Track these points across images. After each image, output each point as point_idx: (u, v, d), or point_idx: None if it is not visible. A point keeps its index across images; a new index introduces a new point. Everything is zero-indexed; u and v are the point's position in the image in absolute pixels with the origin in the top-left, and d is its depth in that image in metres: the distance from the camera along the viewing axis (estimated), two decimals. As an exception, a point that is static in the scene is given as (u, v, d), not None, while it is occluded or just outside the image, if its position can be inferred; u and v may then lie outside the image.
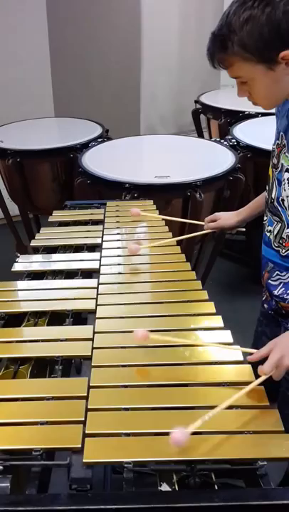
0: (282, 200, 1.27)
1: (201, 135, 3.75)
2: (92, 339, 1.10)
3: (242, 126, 2.93)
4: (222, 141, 2.70)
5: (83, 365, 1.05)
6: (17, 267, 1.47)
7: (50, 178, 2.84)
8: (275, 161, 1.30)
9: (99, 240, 1.60)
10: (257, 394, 0.93)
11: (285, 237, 1.29)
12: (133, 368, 1.01)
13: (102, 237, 1.62)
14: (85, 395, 0.93)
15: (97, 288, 1.31)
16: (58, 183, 2.83)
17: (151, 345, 1.08)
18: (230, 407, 0.90)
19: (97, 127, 3.00)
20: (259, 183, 2.62)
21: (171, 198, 2.24)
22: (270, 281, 1.37)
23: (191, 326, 1.15)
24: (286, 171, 1.24)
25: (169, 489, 0.79)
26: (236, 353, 1.05)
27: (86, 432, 0.84)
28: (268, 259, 1.36)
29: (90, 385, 0.95)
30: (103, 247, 1.56)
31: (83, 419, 0.87)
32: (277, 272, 1.34)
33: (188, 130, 3.98)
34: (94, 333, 1.12)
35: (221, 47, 1.13)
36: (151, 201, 1.91)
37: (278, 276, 1.35)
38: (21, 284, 1.38)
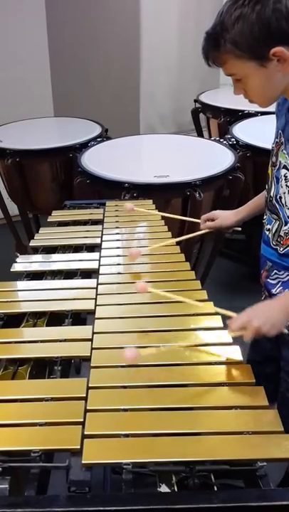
0: (280, 197, 1.28)
1: (200, 134, 3.74)
2: (91, 340, 1.09)
3: (241, 126, 2.92)
4: (221, 140, 2.69)
5: (82, 366, 1.04)
6: (16, 267, 1.47)
7: (49, 177, 2.84)
8: (273, 159, 1.31)
9: (98, 240, 1.60)
10: (256, 394, 0.93)
11: (282, 234, 1.29)
12: (132, 369, 1.01)
13: (102, 237, 1.62)
14: (84, 395, 0.93)
15: (97, 288, 1.31)
16: (58, 182, 2.83)
17: (151, 346, 1.08)
18: (229, 408, 0.90)
19: (96, 127, 3.00)
20: (258, 182, 2.61)
21: (171, 197, 2.24)
22: (268, 280, 1.37)
23: (191, 326, 1.15)
24: (283, 167, 1.25)
25: (168, 490, 0.79)
26: (236, 353, 1.05)
27: (85, 433, 0.84)
28: (267, 257, 1.36)
29: (89, 385, 0.95)
30: (102, 247, 1.56)
31: (82, 420, 0.87)
32: (275, 271, 1.34)
33: (188, 129, 3.97)
34: (93, 333, 1.12)
35: (214, 45, 1.15)
36: (151, 201, 1.91)
37: (276, 275, 1.35)
38: (20, 284, 1.38)
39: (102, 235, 1.64)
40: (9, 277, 1.41)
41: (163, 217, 1.74)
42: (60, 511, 0.71)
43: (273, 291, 1.35)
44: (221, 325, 1.14)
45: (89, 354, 1.05)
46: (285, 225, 1.28)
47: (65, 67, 3.83)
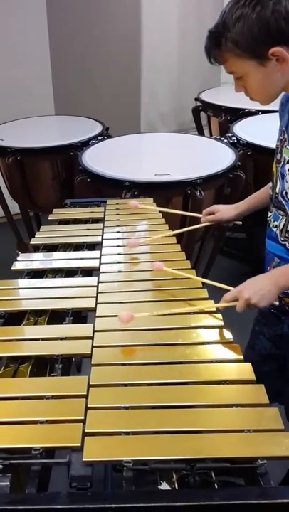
0: (286, 192, 1.30)
1: (201, 133, 3.75)
2: (92, 338, 1.09)
3: (242, 124, 2.92)
4: (222, 138, 2.69)
5: (83, 364, 1.04)
6: (17, 265, 1.47)
7: (50, 176, 2.84)
8: (278, 156, 1.33)
9: (99, 238, 1.60)
10: (257, 392, 0.93)
11: None
12: (133, 367, 1.01)
13: (102, 236, 1.62)
14: (85, 393, 0.93)
15: (97, 286, 1.31)
16: (58, 181, 2.83)
17: (151, 344, 1.08)
18: (229, 406, 0.90)
19: (97, 125, 3.00)
20: (259, 180, 2.61)
21: (172, 195, 2.24)
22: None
23: (192, 324, 1.15)
24: (288, 163, 1.28)
25: (169, 488, 0.79)
26: (236, 351, 1.05)
27: (86, 430, 0.84)
28: (274, 254, 1.37)
29: (90, 383, 0.95)
30: (103, 245, 1.56)
31: (83, 417, 0.87)
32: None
33: (189, 128, 3.97)
34: (94, 331, 1.12)
35: (215, 44, 1.19)
36: (151, 199, 1.91)
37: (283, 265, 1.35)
38: (21, 282, 1.38)
39: (103, 233, 1.64)
40: (10, 275, 1.41)
41: (165, 215, 1.74)
42: (60, 508, 0.71)
43: None
44: (222, 323, 1.14)
45: (90, 352, 1.05)
46: None
47: (66, 66, 3.83)
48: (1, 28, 3.50)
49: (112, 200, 1.92)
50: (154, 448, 0.82)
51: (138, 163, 2.54)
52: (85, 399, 0.91)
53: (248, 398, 0.92)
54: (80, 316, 1.25)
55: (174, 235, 1.58)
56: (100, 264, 1.44)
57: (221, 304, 1.17)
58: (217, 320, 1.15)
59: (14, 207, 3.08)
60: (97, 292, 1.28)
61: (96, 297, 1.26)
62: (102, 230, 1.66)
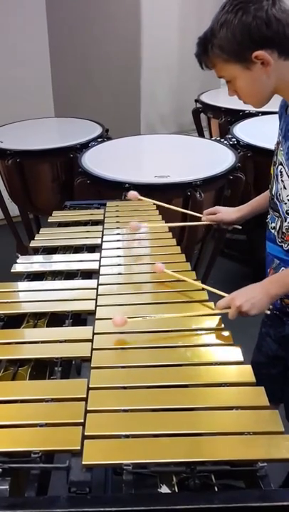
0: (279, 194, 1.31)
1: (201, 134, 3.74)
2: (91, 340, 1.09)
3: (242, 125, 2.92)
4: (222, 140, 2.69)
5: (82, 367, 1.04)
6: (17, 267, 1.47)
7: (50, 178, 2.84)
8: (274, 158, 1.35)
9: (99, 241, 1.60)
10: (257, 395, 0.93)
11: (285, 231, 1.32)
12: (132, 369, 1.01)
13: (102, 238, 1.62)
14: (85, 396, 0.92)
15: (97, 289, 1.31)
16: (58, 183, 2.83)
17: (151, 346, 1.08)
18: (229, 408, 0.90)
19: (97, 127, 3.00)
20: (259, 182, 2.61)
21: (171, 197, 2.23)
22: None
23: (192, 327, 1.15)
24: (280, 164, 1.30)
25: (169, 491, 0.79)
26: (237, 353, 1.05)
27: (85, 433, 0.84)
28: (274, 255, 1.38)
29: (90, 386, 0.95)
30: (103, 247, 1.56)
31: (82, 421, 0.86)
32: (282, 269, 1.35)
33: (189, 129, 3.98)
34: (93, 334, 1.11)
35: (203, 50, 1.25)
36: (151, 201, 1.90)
37: (278, 272, 1.36)
38: (21, 285, 1.38)
39: (103, 235, 1.64)
40: (10, 278, 1.41)
41: (164, 215, 1.74)
42: (60, 512, 0.71)
43: None
44: (222, 325, 1.14)
45: (89, 355, 1.05)
46: (285, 221, 1.30)
47: (65, 68, 3.84)
48: (1, 28, 3.50)
49: (111, 202, 1.92)
50: (154, 451, 0.82)
51: (138, 164, 2.54)
52: (84, 402, 0.91)
53: (248, 400, 0.92)
54: (80, 318, 1.25)
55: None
56: (100, 266, 1.44)
57: (214, 311, 1.18)
58: (217, 322, 1.15)
59: (14, 209, 3.08)
60: (97, 294, 1.28)
61: (96, 300, 1.26)
62: (102, 232, 1.66)
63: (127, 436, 0.84)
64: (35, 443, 0.82)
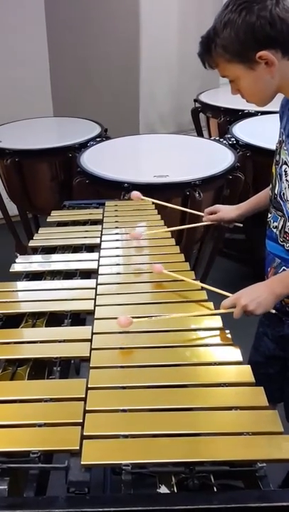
0: (283, 193, 1.31)
1: (200, 134, 3.74)
2: (90, 340, 1.09)
3: (241, 125, 2.92)
4: (221, 139, 2.69)
5: (81, 367, 1.04)
6: (15, 267, 1.47)
7: (48, 177, 2.84)
8: (277, 157, 1.34)
9: (97, 240, 1.60)
10: (256, 395, 0.93)
11: (287, 230, 1.32)
12: (131, 369, 1.01)
13: (101, 237, 1.62)
14: (83, 396, 0.92)
15: (96, 288, 1.31)
16: (57, 182, 2.83)
17: (150, 346, 1.08)
18: (228, 408, 0.90)
19: (95, 126, 2.99)
20: (258, 181, 2.61)
21: (170, 197, 2.23)
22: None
23: (191, 327, 1.14)
24: (284, 164, 1.29)
25: (168, 491, 0.79)
26: (236, 353, 1.05)
27: (84, 433, 0.84)
28: (275, 254, 1.38)
29: (88, 386, 0.95)
30: (102, 247, 1.56)
31: (81, 420, 0.86)
32: (283, 268, 1.35)
33: (188, 129, 3.97)
34: (92, 334, 1.11)
35: (206, 49, 1.24)
36: (150, 201, 1.90)
37: (282, 272, 1.35)
38: (20, 284, 1.37)
39: (102, 235, 1.63)
40: (8, 277, 1.41)
41: (163, 215, 1.74)
42: (59, 512, 0.71)
43: None
44: (221, 325, 1.14)
45: (88, 355, 1.05)
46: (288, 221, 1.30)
47: (64, 67, 3.83)
48: (0, 28, 3.50)
49: (110, 202, 1.92)
50: (153, 451, 0.82)
51: (137, 164, 2.54)
52: (83, 402, 0.91)
53: (248, 401, 0.92)
54: (79, 318, 1.25)
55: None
56: (99, 266, 1.44)
57: (219, 311, 1.18)
58: (216, 322, 1.15)
59: (13, 209, 3.08)
60: (96, 294, 1.28)
61: (94, 299, 1.26)
62: (101, 231, 1.66)
63: (125, 437, 0.84)
64: (34, 443, 0.82)
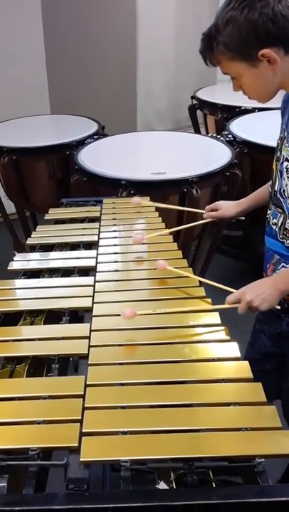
0: (284, 190, 1.31)
1: (197, 131, 3.74)
2: (88, 337, 1.09)
3: (239, 122, 2.92)
4: (219, 136, 2.69)
5: (80, 364, 1.04)
6: (13, 265, 1.47)
7: (46, 175, 2.84)
8: (278, 154, 1.33)
9: (95, 238, 1.60)
10: (254, 391, 0.93)
11: (288, 227, 1.32)
12: (130, 366, 1.01)
13: (99, 235, 1.62)
14: (82, 393, 0.92)
15: (94, 286, 1.31)
16: (54, 180, 2.83)
17: (148, 343, 1.08)
18: (227, 404, 0.90)
19: (93, 124, 2.99)
20: (256, 178, 2.61)
21: (168, 194, 2.23)
22: (275, 273, 1.37)
23: (189, 323, 1.15)
24: (285, 160, 1.29)
25: (167, 487, 0.79)
26: (234, 349, 1.05)
27: (83, 430, 0.84)
28: (274, 251, 1.38)
29: (87, 383, 0.95)
30: (100, 244, 1.56)
31: (80, 417, 0.86)
32: (282, 264, 1.35)
33: (185, 126, 3.97)
34: (90, 331, 1.11)
35: (208, 46, 1.23)
36: (148, 198, 1.90)
37: (284, 268, 1.36)
38: (18, 282, 1.37)
39: (100, 232, 1.63)
40: (6, 275, 1.41)
41: (161, 213, 1.74)
42: (58, 509, 0.71)
43: None
44: (219, 322, 1.14)
45: (86, 352, 1.05)
46: None
47: (61, 65, 3.82)
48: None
49: (108, 199, 1.91)
50: (152, 447, 0.82)
51: (134, 161, 2.54)
52: (82, 399, 0.91)
53: (246, 396, 0.92)
54: (77, 315, 1.25)
55: (170, 233, 1.58)
56: (97, 263, 1.44)
57: (224, 306, 1.18)
58: (214, 318, 1.15)
59: (10, 206, 3.08)
60: (94, 292, 1.28)
61: (93, 297, 1.26)
62: (99, 229, 1.66)
63: (124, 433, 0.84)
64: (33, 440, 0.82)
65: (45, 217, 1.81)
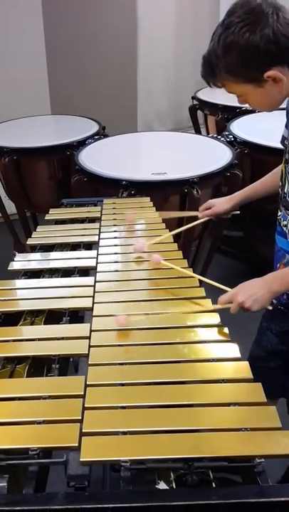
0: None
1: (198, 131, 3.74)
2: (89, 337, 1.09)
3: (239, 122, 2.92)
4: (219, 137, 2.69)
5: (80, 364, 1.04)
6: (14, 265, 1.47)
7: (46, 175, 2.84)
8: (286, 156, 1.33)
9: (96, 238, 1.60)
10: (254, 391, 0.93)
11: None
12: (130, 366, 1.01)
13: (99, 235, 1.62)
14: (82, 393, 0.93)
15: (94, 286, 1.31)
16: (55, 180, 2.83)
17: (148, 343, 1.08)
18: (227, 404, 0.90)
19: (93, 124, 2.99)
20: (256, 178, 2.59)
21: (168, 194, 2.23)
22: None
23: (189, 324, 1.15)
24: None
25: (167, 487, 0.79)
26: (234, 350, 1.05)
27: (83, 430, 0.84)
28: (286, 251, 1.38)
29: (87, 383, 0.95)
30: (100, 244, 1.56)
31: (80, 417, 0.86)
32: None
33: (186, 126, 3.97)
34: (91, 331, 1.12)
35: (210, 73, 1.24)
36: (148, 198, 1.91)
37: (279, 270, 1.36)
38: (18, 282, 1.38)
39: (100, 232, 1.63)
40: (7, 276, 1.41)
41: (162, 210, 1.75)
42: (58, 509, 0.71)
43: None
44: (219, 322, 1.14)
45: (87, 352, 1.05)
46: None
47: (61, 65, 3.83)
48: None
49: (108, 200, 1.92)
50: (152, 447, 0.82)
51: (135, 162, 2.54)
52: (82, 399, 0.91)
53: (246, 397, 0.92)
54: (77, 315, 1.25)
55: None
56: (97, 263, 1.44)
57: (216, 306, 1.19)
58: (214, 319, 1.15)
59: (11, 207, 3.08)
60: (94, 292, 1.28)
61: (93, 297, 1.26)
62: (99, 229, 1.66)
63: (124, 433, 0.84)
64: (33, 440, 0.82)
65: (46, 218, 1.82)
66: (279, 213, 1.39)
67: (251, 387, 0.94)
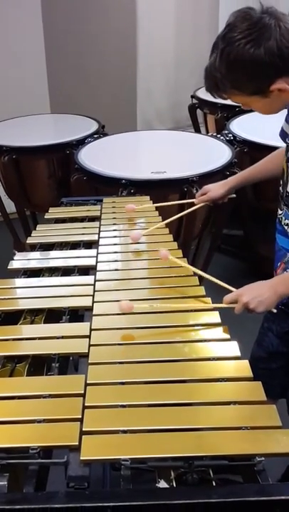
0: None
1: (197, 130, 3.74)
2: (88, 336, 1.09)
3: (239, 121, 2.92)
4: (219, 136, 2.69)
5: (80, 363, 1.04)
6: (14, 264, 1.47)
7: (46, 174, 2.84)
8: (288, 155, 1.32)
9: (95, 237, 1.60)
10: (254, 390, 0.93)
11: None
12: (130, 365, 1.01)
13: (99, 234, 1.62)
14: (82, 392, 0.93)
15: (94, 285, 1.31)
16: (54, 179, 2.83)
17: (149, 342, 1.08)
18: (227, 403, 0.90)
19: (93, 123, 2.99)
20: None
21: (168, 193, 2.23)
22: (287, 271, 1.37)
23: (189, 322, 1.15)
24: None
25: (167, 486, 0.79)
26: (234, 349, 1.05)
27: (83, 429, 0.84)
28: (287, 250, 1.37)
29: (87, 382, 0.95)
30: (100, 243, 1.56)
31: (80, 416, 0.87)
32: None
33: (185, 125, 3.97)
34: (91, 330, 1.12)
35: (215, 86, 1.24)
36: (148, 197, 1.91)
37: (285, 272, 1.35)
38: (18, 281, 1.38)
39: (100, 231, 1.63)
40: (7, 275, 1.41)
41: (161, 211, 1.75)
42: (58, 507, 0.71)
43: None
44: (219, 321, 1.14)
45: (87, 351, 1.05)
46: None
47: (61, 64, 3.82)
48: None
49: (108, 199, 1.92)
50: (152, 446, 0.82)
51: (134, 161, 2.54)
52: (82, 398, 0.91)
53: (246, 395, 0.92)
54: (77, 314, 1.25)
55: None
56: (97, 262, 1.44)
57: (220, 305, 1.18)
58: (214, 318, 1.15)
59: (10, 206, 3.08)
60: (94, 291, 1.28)
61: (93, 296, 1.26)
62: (99, 228, 1.66)
63: (124, 432, 0.84)
64: (33, 439, 0.82)
65: (46, 217, 1.81)
66: (279, 212, 1.39)
67: (251, 386, 0.94)
